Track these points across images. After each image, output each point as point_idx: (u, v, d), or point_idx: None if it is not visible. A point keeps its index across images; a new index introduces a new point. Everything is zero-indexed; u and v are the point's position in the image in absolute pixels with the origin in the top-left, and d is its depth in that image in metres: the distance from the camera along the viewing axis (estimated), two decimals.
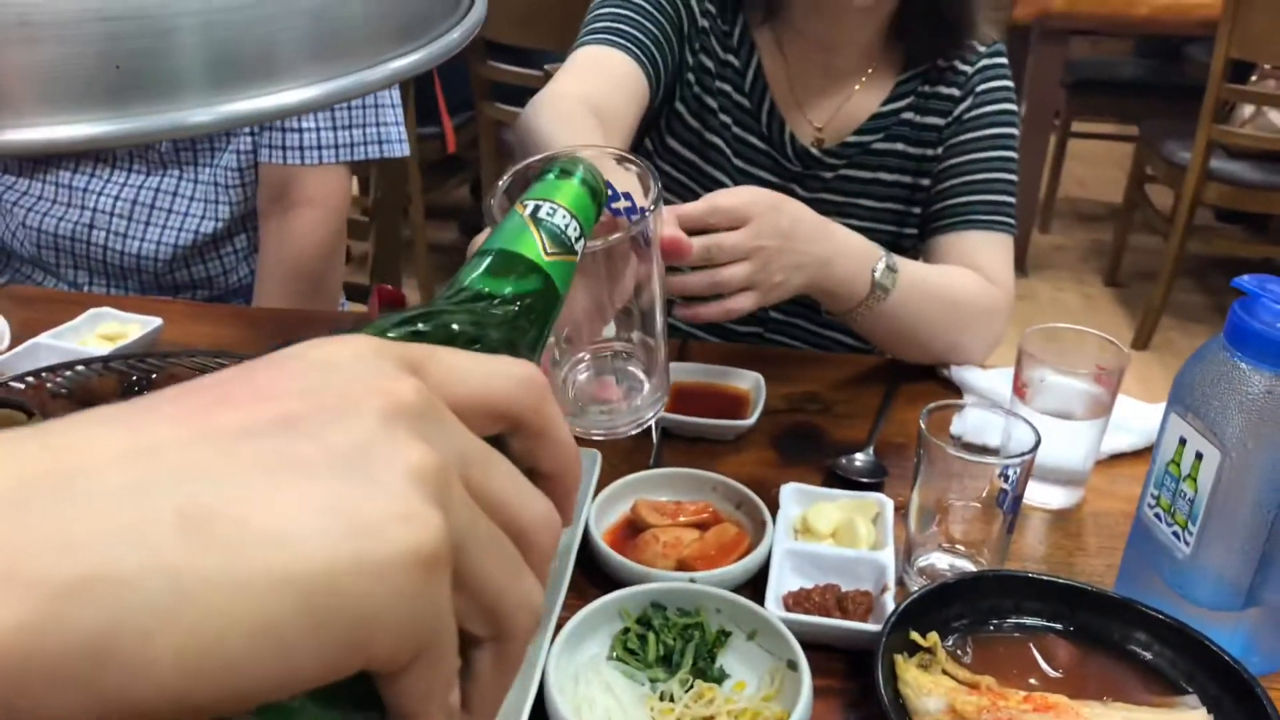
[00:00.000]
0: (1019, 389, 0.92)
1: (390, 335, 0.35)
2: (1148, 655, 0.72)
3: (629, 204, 0.57)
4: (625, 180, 0.58)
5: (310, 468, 0.25)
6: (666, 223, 0.58)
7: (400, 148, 1.29)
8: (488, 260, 0.42)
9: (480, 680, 0.29)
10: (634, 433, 0.63)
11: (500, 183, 0.57)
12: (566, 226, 0.44)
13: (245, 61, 0.51)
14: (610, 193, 0.55)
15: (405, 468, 0.26)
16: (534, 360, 0.41)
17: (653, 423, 0.85)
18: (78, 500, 0.22)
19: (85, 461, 0.23)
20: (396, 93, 1.31)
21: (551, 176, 0.47)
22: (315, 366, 0.27)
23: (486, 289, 0.41)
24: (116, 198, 1.27)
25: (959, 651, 0.73)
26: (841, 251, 0.97)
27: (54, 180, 1.28)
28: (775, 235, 0.89)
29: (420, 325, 0.36)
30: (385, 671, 0.25)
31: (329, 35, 0.54)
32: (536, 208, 0.44)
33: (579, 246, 0.45)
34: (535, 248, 0.42)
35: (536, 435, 0.32)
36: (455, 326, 0.37)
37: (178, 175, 1.27)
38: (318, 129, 1.23)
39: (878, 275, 0.98)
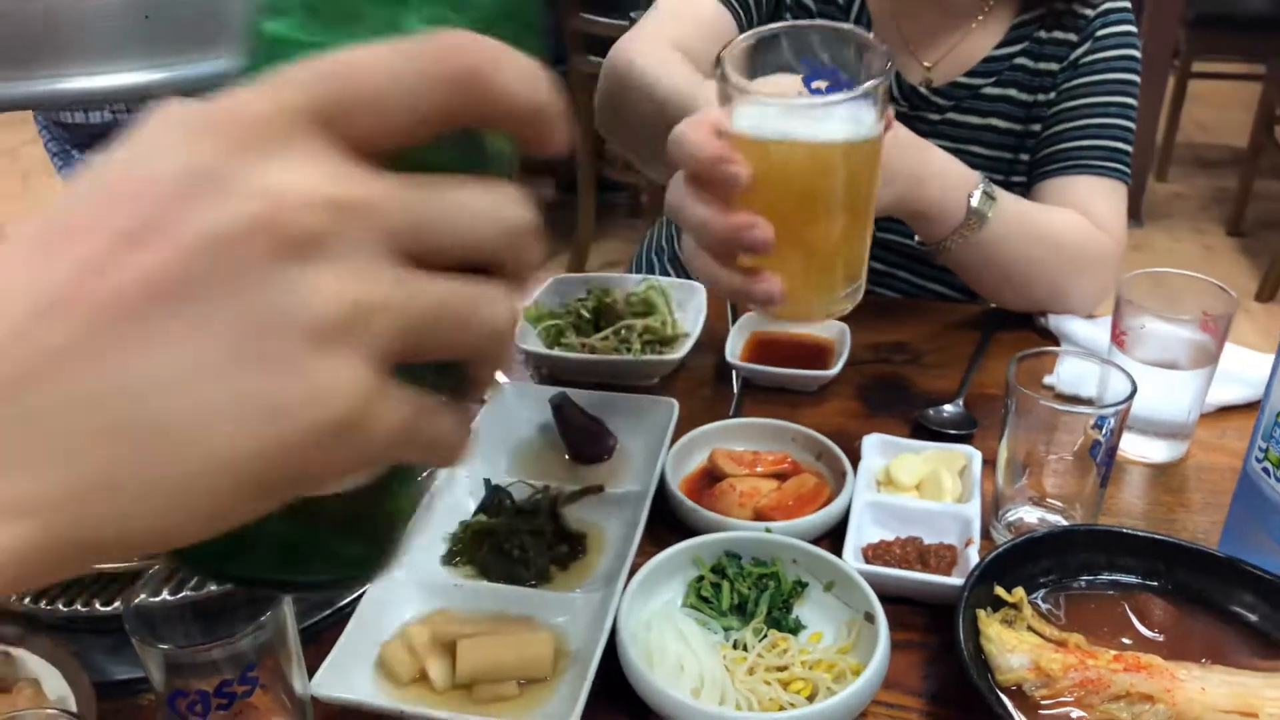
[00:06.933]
0: (1117, 337, 0.88)
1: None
2: (1252, 617, 0.69)
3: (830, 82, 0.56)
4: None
5: (206, 354, 0.24)
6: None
7: None
8: None
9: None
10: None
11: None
12: None
13: None
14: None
15: (304, 332, 0.24)
16: None
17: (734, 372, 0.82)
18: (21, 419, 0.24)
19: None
20: None
21: None
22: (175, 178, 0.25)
23: None
24: None
25: (1047, 608, 0.70)
26: (936, 172, 0.92)
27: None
28: None
29: None
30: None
31: None
32: None
33: None
34: None
35: (490, 105, 0.28)
36: None
37: None
38: None
39: (974, 201, 0.94)
